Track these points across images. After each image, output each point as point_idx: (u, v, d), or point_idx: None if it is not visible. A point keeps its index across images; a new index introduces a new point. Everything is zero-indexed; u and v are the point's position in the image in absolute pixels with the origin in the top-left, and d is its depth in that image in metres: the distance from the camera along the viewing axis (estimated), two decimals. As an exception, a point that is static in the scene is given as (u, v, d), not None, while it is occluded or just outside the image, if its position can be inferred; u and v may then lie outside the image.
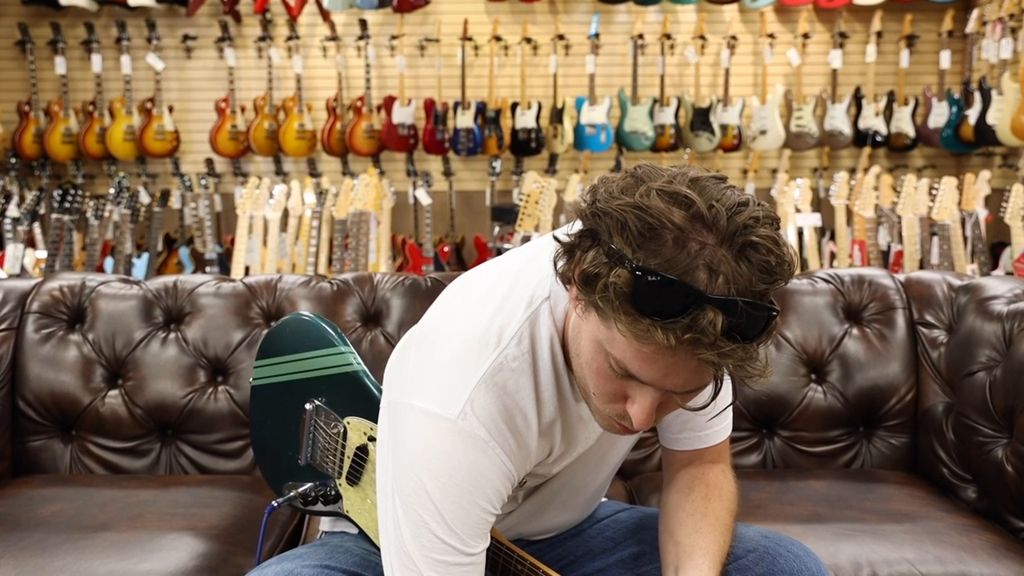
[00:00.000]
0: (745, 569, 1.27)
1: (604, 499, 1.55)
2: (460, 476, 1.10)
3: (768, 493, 1.86)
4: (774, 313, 0.96)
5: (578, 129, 5.30)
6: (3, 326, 2.08)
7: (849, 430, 2.08)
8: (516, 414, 1.14)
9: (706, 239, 0.94)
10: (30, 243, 4.64)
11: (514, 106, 5.32)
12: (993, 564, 1.59)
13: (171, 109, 5.34)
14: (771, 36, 5.34)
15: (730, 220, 0.94)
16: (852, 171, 5.31)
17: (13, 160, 5.20)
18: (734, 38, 5.36)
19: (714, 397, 1.06)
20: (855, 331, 2.09)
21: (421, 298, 2.12)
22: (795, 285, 2.13)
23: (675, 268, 0.93)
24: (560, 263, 1.02)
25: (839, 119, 5.31)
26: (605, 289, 0.94)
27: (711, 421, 1.32)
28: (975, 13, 5.16)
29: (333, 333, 1.45)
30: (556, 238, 1.04)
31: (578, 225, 1.02)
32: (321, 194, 4.55)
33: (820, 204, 5.15)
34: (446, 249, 5.26)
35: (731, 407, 1.37)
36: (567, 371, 1.16)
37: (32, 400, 2.05)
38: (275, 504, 1.45)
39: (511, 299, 1.15)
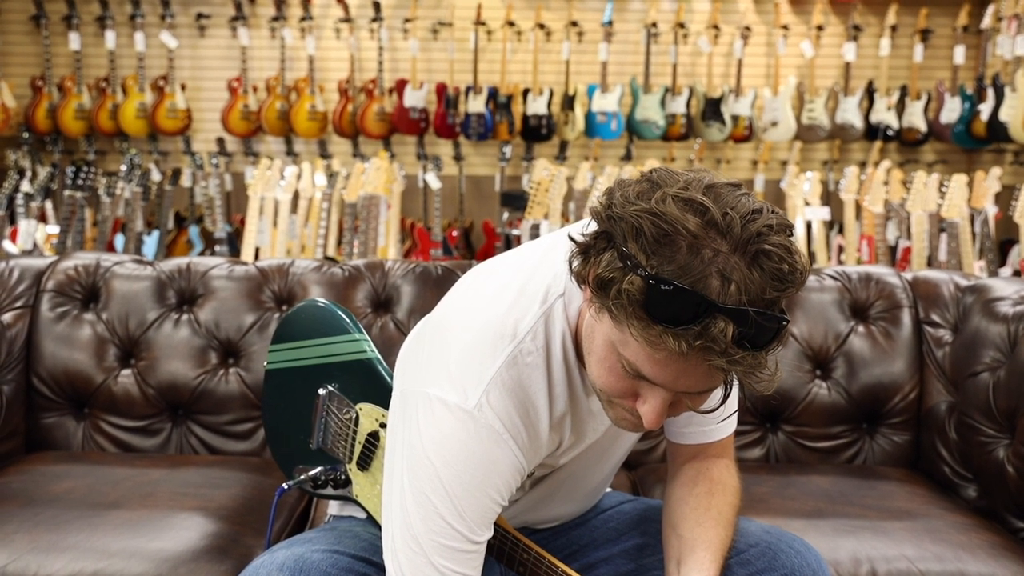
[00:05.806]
0: (746, 563, 1.30)
1: (609, 490, 1.57)
2: (474, 465, 1.12)
3: (770, 487, 1.88)
4: (784, 323, 0.97)
5: (589, 116, 5.29)
6: (19, 304, 2.11)
7: (852, 426, 2.09)
8: (529, 408, 1.16)
9: (720, 246, 0.95)
10: (42, 219, 4.66)
11: (526, 92, 5.31)
12: (991, 563, 1.61)
13: (183, 87, 5.34)
14: (785, 27, 5.32)
15: (744, 228, 0.95)
16: (863, 165, 5.30)
17: (26, 135, 5.22)
18: (748, 29, 5.34)
19: (723, 401, 1.08)
20: (861, 328, 2.11)
21: (431, 286, 2.13)
22: (803, 281, 2.14)
23: (688, 275, 0.94)
24: (575, 263, 1.04)
25: (851, 112, 5.29)
26: (619, 295, 0.96)
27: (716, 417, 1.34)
28: (990, 9, 5.13)
29: (348, 320, 1.47)
30: (571, 237, 1.05)
31: (593, 225, 1.03)
32: (332, 176, 4.55)
33: (830, 198, 5.14)
34: (455, 233, 5.27)
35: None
36: (579, 366, 1.18)
37: (46, 377, 2.08)
38: (285, 487, 1.47)
39: (526, 293, 1.17)
